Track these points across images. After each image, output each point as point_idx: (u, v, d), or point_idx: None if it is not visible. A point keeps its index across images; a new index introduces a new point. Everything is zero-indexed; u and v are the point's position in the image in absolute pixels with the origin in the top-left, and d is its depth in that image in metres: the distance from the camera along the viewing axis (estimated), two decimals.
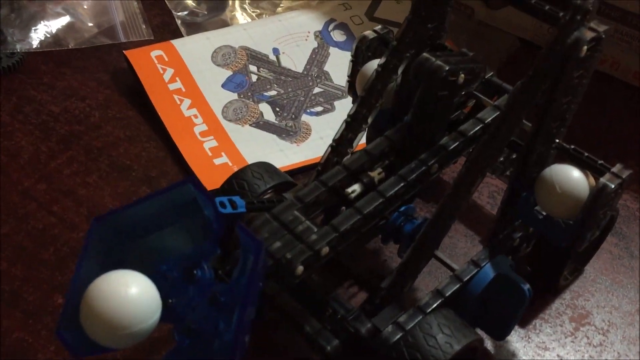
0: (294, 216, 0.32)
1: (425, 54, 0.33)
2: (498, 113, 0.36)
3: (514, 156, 0.45)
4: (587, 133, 0.50)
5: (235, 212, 0.32)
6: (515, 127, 0.32)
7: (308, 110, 0.53)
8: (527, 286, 0.35)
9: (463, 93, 0.35)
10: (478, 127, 0.36)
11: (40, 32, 0.54)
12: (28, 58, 0.54)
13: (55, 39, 0.55)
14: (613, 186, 0.33)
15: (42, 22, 0.55)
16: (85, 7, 0.57)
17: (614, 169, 0.34)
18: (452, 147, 0.35)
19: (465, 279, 0.35)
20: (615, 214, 0.39)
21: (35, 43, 0.54)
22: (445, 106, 0.34)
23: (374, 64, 0.41)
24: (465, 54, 0.36)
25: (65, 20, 0.55)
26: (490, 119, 0.36)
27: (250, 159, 0.49)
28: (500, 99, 0.37)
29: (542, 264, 0.41)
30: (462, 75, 0.33)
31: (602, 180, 0.33)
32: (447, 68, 0.32)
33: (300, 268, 0.30)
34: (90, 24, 0.56)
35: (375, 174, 0.34)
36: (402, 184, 0.33)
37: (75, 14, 0.56)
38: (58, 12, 0.55)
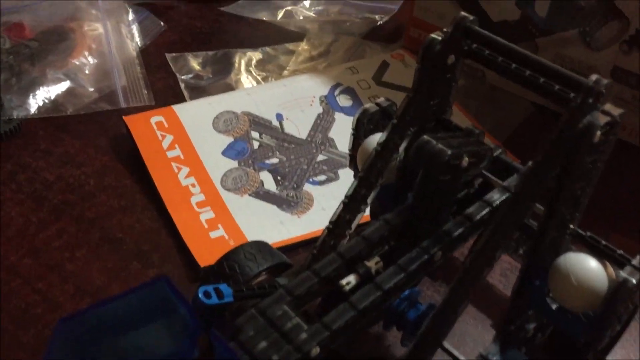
0: (283, 311, 0.29)
1: (425, 137, 0.30)
2: (507, 196, 0.34)
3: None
4: (606, 202, 0.48)
5: (221, 302, 0.29)
6: (526, 212, 0.30)
7: (311, 179, 0.51)
8: None
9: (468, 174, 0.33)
10: (485, 211, 0.33)
11: (39, 98, 0.54)
12: (27, 123, 0.53)
13: (54, 104, 0.54)
14: (635, 281, 0.30)
15: (41, 87, 0.54)
16: (87, 72, 0.56)
17: (635, 261, 0.31)
18: (456, 233, 0.32)
19: None
20: (637, 305, 0.36)
21: (33, 109, 0.53)
22: (449, 190, 0.32)
23: (376, 138, 0.39)
24: (471, 132, 0.34)
25: (65, 85, 0.55)
26: (498, 201, 0.33)
27: (248, 232, 0.47)
28: (510, 179, 0.35)
29: (559, 355, 0.38)
30: (466, 158, 0.30)
31: (623, 274, 0.30)
32: (449, 152, 0.29)
33: None
34: (91, 89, 0.55)
35: (373, 263, 0.31)
36: (401, 275, 0.31)
37: (76, 79, 0.55)
38: (58, 78, 0.55)
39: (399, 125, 0.34)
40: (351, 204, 0.34)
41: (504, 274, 0.45)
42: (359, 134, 0.40)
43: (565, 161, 0.29)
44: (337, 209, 0.35)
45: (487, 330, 0.42)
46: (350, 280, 0.31)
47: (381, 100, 0.40)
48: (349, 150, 0.41)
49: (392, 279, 0.31)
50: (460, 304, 0.30)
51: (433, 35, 0.33)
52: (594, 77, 0.29)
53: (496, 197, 0.34)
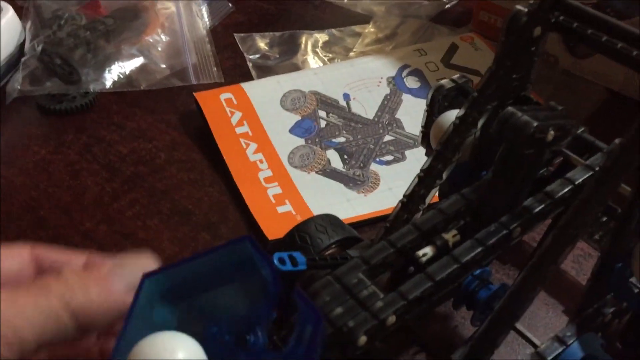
0: (359, 279, 0.29)
1: (510, 108, 0.30)
2: (590, 174, 0.32)
3: (604, 219, 0.41)
4: None
5: (296, 269, 0.29)
6: (613, 191, 0.29)
7: (377, 159, 0.51)
8: None
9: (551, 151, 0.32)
10: (567, 189, 0.32)
11: (114, 73, 0.55)
12: (101, 97, 0.54)
13: (128, 79, 0.55)
14: None
15: (116, 63, 0.55)
16: (159, 49, 0.57)
17: None
18: (537, 210, 0.31)
19: (550, 358, 0.31)
20: None
21: (108, 83, 0.54)
22: (531, 165, 0.31)
23: (450, 115, 0.38)
24: (554, 108, 0.33)
25: (138, 61, 0.56)
26: (581, 179, 0.32)
27: (315, 208, 0.47)
28: (593, 157, 0.34)
29: (636, 344, 0.36)
30: (552, 132, 0.30)
31: None
32: (535, 124, 0.29)
33: (363, 338, 0.27)
34: (163, 66, 0.56)
35: (450, 236, 0.31)
36: (479, 249, 0.30)
37: (149, 56, 0.56)
38: (132, 54, 0.56)
39: (479, 99, 0.33)
40: (426, 178, 0.34)
41: (576, 261, 0.44)
42: (433, 110, 0.39)
43: None
44: (412, 182, 0.34)
45: (558, 315, 0.41)
46: (426, 251, 0.30)
47: (457, 76, 0.39)
48: (422, 126, 0.41)
49: (470, 253, 0.30)
50: (539, 283, 0.30)
51: (519, 7, 0.32)
52: None
53: (578, 175, 0.33)
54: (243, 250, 0.26)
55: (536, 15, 0.31)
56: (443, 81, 0.39)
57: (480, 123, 0.34)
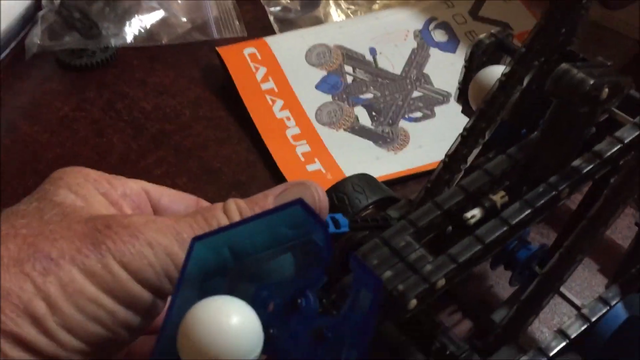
0: (406, 242, 0.29)
1: (565, 65, 0.29)
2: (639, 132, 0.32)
3: None
4: None
5: (339, 231, 0.29)
6: None
7: (406, 116, 0.50)
8: None
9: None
10: (616, 148, 0.31)
11: (135, 27, 0.53)
12: (121, 53, 0.53)
13: (148, 34, 0.53)
14: None
15: (136, 16, 0.53)
16: (179, 2, 0.55)
17: None
18: (585, 170, 0.31)
19: (594, 319, 0.31)
20: None
21: (129, 38, 0.53)
22: (584, 124, 0.30)
23: (489, 71, 0.37)
24: (604, 63, 0.32)
25: (159, 15, 0.54)
26: (630, 138, 0.32)
27: (345, 167, 0.46)
28: None
29: None
30: (607, 90, 0.29)
31: None
32: (591, 82, 0.28)
33: (414, 302, 0.27)
34: (184, 20, 0.55)
35: (498, 197, 0.30)
36: (528, 211, 0.30)
37: (169, 9, 0.55)
38: (152, 7, 0.54)
39: (527, 54, 0.32)
40: (469, 137, 0.33)
41: None
42: (472, 66, 0.38)
43: None
44: (455, 142, 0.34)
45: (594, 274, 0.41)
46: (475, 213, 0.30)
47: (497, 30, 0.38)
48: (459, 83, 0.40)
49: (519, 214, 0.29)
50: (589, 243, 0.29)
51: None
52: None
53: (627, 134, 0.32)
54: (295, 213, 0.25)
55: None
56: (482, 36, 0.38)
57: (526, 80, 0.33)
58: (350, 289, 0.25)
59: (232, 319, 0.24)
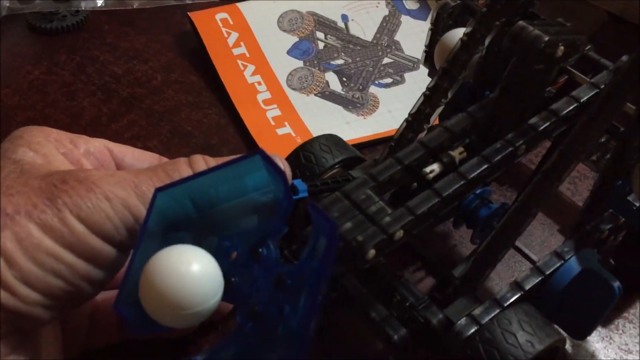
0: (367, 195, 0.30)
1: (522, 22, 0.29)
2: (596, 92, 0.33)
3: (602, 140, 0.41)
4: None
5: (297, 197, 0.29)
6: (619, 108, 0.29)
7: (376, 82, 0.50)
8: (617, 284, 0.32)
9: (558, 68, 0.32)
10: (572, 107, 0.32)
11: None
12: (92, 16, 0.52)
13: None
14: None
15: None
16: None
17: None
18: (542, 127, 0.32)
19: (548, 272, 0.32)
20: None
21: (100, 1, 0.53)
22: (540, 82, 0.31)
23: (455, 34, 0.38)
24: (563, 24, 0.32)
25: None
26: (586, 98, 0.33)
27: (315, 131, 0.47)
28: (598, 76, 0.34)
29: (630, 258, 0.37)
30: (562, 47, 0.29)
31: None
32: (546, 39, 0.28)
33: (372, 252, 0.28)
34: None
35: (456, 153, 0.31)
36: (485, 166, 0.31)
37: None
38: None
39: (487, 14, 0.33)
40: (432, 96, 0.34)
41: (572, 182, 0.45)
42: (438, 29, 0.39)
43: None
44: (417, 101, 0.34)
45: (554, 234, 0.42)
46: (434, 168, 0.31)
47: None
48: (425, 46, 0.40)
49: (476, 169, 0.30)
50: (543, 197, 0.30)
51: None
52: None
53: (583, 93, 0.33)
54: (255, 165, 0.26)
55: None
56: None
57: (487, 40, 0.34)
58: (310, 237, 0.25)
59: (192, 266, 0.25)
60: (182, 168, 0.28)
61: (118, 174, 0.26)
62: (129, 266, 0.26)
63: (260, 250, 0.27)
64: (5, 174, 0.26)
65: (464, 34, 0.33)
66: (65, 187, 0.25)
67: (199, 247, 0.26)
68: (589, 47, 0.35)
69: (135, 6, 0.53)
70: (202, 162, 0.28)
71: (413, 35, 0.53)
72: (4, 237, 0.24)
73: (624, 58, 0.33)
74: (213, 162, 0.28)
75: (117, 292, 0.26)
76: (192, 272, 0.25)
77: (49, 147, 0.28)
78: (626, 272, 0.38)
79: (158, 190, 0.26)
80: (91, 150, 0.29)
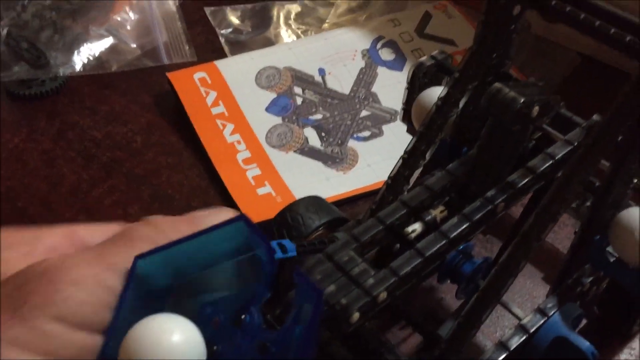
0: (350, 257, 0.30)
1: (498, 84, 0.30)
2: (570, 149, 0.33)
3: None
4: None
5: (286, 256, 0.29)
6: (593, 169, 0.29)
7: (355, 135, 0.51)
8: (590, 349, 0.32)
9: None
10: (548, 164, 0.33)
11: (84, 55, 0.54)
12: (71, 81, 0.53)
13: (98, 61, 0.54)
14: None
15: (85, 44, 0.54)
16: (128, 28, 0.56)
17: None
18: (520, 184, 0.32)
19: (532, 330, 0.32)
20: None
21: (78, 66, 0.53)
22: (517, 141, 0.32)
23: (431, 92, 0.39)
24: (536, 84, 0.33)
25: (108, 42, 0.55)
26: (561, 155, 0.33)
27: (295, 189, 0.47)
28: (571, 133, 0.34)
29: (613, 308, 0.38)
30: (537, 108, 0.30)
31: None
32: (522, 100, 0.29)
33: (356, 315, 0.28)
34: (133, 45, 0.55)
35: (438, 212, 0.32)
36: (466, 224, 0.31)
37: (118, 36, 0.55)
38: (101, 34, 0.55)
39: (460, 79, 0.33)
40: (410, 159, 0.34)
41: (552, 230, 0.45)
42: (414, 87, 0.39)
43: (638, 114, 0.29)
44: (397, 164, 0.35)
45: (537, 284, 0.42)
46: (415, 227, 0.31)
47: (436, 53, 0.40)
48: (403, 104, 0.41)
49: (457, 228, 0.31)
50: (524, 258, 0.30)
51: None
52: None
53: (559, 150, 0.34)
54: (238, 230, 0.26)
55: None
56: (423, 59, 0.40)
57: (462, 103, 0.34)
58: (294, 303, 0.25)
59: (173, 336, 0.24)
60: (141, 230, 0.26)
61: (80, 253, 0.25)
62: (108, 336, 0.25)
63: (243, 316, 0.26)
64: None
65: (439, 98, 0.34)
66: (27, 288, 0.23)
67: (180, 315, 0.25)
68: (561, 104, 0.36)
69: (113, 69, 0.54)
70: (160, 221, 0.27)
71: (390, 87, 0.54)
72: None
73: (595, 117, 0.34)
74: (168, 222, 0.27)
75: None
76: (174, 342, 0.24)
77: (5, 255, 0.26)
78: (610, 320, 0.38)
79: (138, 257, 0.26)
80: (55, 245, 0.27)
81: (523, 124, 0.30)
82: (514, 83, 0.31)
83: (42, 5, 0.53)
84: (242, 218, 0.25)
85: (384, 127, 0.52)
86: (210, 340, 0.26)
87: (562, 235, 0.45)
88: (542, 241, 0.30)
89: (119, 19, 0.56)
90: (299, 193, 0.46)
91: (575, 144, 0.33)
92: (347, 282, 0.29)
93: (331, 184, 0.48)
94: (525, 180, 0.32)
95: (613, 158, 0.31)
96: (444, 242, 0.30)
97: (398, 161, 0.35)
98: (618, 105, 0.29)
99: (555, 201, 0.29)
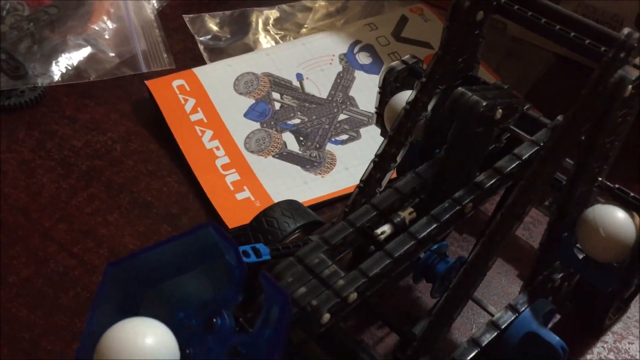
0: (320, 259, 0.30)
1: (460, 89, 0.31)
2: (536, 149, 0.34)
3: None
4: (633, 155, 0.47)
5: (260, 260, 0.30)
6: (558, 166, 0.30)
7: (333, 139, 0.52)
8: (560, 344, 0.33)
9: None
10: (515, 164, 0.34)
11: (62, 65, 0.54)
12: (50, 91, 0.53)
13: (76, 71, 0.54)
14: None
15: (63, 54, 0.54)
16: (106, 37, 0.56)
17: None
18: (487, 185, 0.33)
19: (503, 326, 0.33)
20: None
21: (56, 76, 0.53)
22: (481, 143, 0.32)
23: (402, 96, 0.40)
24: (501, 87, 0.34)
25: (86, 51, 0.55)
26: (527, 155, 0.34)
27: (274, 193, 0.47)
28: (538, 133, 0.35)
29: (584, 303, 0.38)
30: (500, 110, 0.31)
31: None
32: (484, 104, 0.30)
33: (327, 316, 0.29)
34: (112, 54, 0.56)
35: (406, 213, 0.32)
36: (434, 225, 0.32)
37: (96, 45, 0.55)
38: (79, 44, 0.55)
39: (427, 84, 0.34)
40: (381, 162, 0.35)
41: (526, 228, 0.46)
42: (386, 92, 0.40)
43: (597, 115, 0.30)
44: (368, 167, 0.35)
45: (511, 281, 0.43)
46: (385, 229, 0.32)
47: (407, 57, 0.40)
48: (376, 108, 0.42)
49: (426, 229, 0.31)
50: (491, 257, 0.31)
51: None
52: (625, 30, 0.29)
53: (525, 151, 0.34)
54: (207, 236, 0.26)
55: (478, 0, 0.32)
56: (394, 63, 0.40)
57: (430, 106, 0.35)
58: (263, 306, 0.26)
59: (147, 339, 0.25)
60: None
61: None
62: (82, 340, 0.26)
63: (214, 320, 0.27)
64: None
65: (407, 103, 0.35)
66: None
67: (154, 319, 0.26)
68: (528, 105, 0.37)
69: (92, 78, 0.54)
70: None
71: (367, 90, 0.55)
72: None
73: (560, 118, 0.35)
74: None
75: None
76: (147, 345, 0.25)
77: None
78: (583, 314, 0.39)
79: (110, 264, 0.26)
80: None
81: (487, 126, 0.31)
82: (479, 87, 0.31)
83: (20, 17, 0.54)
84: (209, 224, 0.26)
85: (362, 130, 0.52)
86: (183, 344, 0.26)
87: (536, 233, 0.46)
88: (507, 240, 0.31)
89: (97, 28, 0.56)
90: (277, 197, 0.47)
91: (541, 144, 0.34)
92: (318, 284, 0.29)
93: (309, 188, 0.48)
94: (493, 181, 0.33)
95: (576, 157, 0.32)
96: (412, 242, 0.31)
97: (369, 165, 0.35)
98: (578, 106, 0.29)
99: (519, 202, 0.30)
